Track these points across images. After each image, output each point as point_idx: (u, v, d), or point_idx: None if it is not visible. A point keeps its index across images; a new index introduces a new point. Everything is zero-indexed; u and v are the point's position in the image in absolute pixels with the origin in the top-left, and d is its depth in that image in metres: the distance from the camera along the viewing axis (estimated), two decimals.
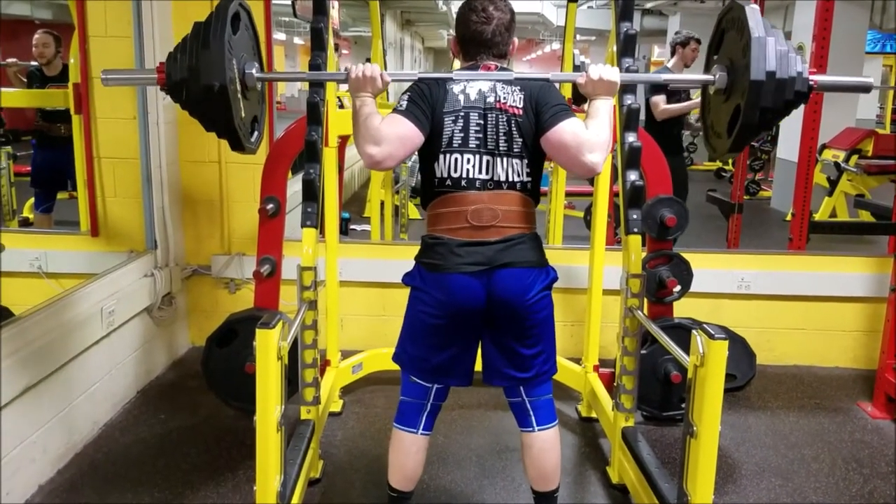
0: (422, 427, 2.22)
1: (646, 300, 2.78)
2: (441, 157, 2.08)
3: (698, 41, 5.11)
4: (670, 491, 2.20)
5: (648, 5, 14.13)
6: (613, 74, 2.06)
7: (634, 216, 2.66)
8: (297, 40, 20.14)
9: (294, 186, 3.48)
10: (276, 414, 1.95)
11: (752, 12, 1.94)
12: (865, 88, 2.14)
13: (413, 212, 6.67)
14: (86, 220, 3.71)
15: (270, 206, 3.07)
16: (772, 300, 3.91)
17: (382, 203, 5.40)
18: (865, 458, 3.02)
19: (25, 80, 5.33)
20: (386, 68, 4.93)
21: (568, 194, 5.36)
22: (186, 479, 2.74)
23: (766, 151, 9.70)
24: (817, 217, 6.71)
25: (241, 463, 2.83)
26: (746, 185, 7.99)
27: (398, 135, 1.99)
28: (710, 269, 3.74)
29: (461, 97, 2.08)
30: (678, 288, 3.07)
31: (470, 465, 2.88)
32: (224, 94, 1.89)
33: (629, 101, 2.66)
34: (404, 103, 2.05)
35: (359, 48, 18.68)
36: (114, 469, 2.80)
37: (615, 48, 2.78)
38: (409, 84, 2.15)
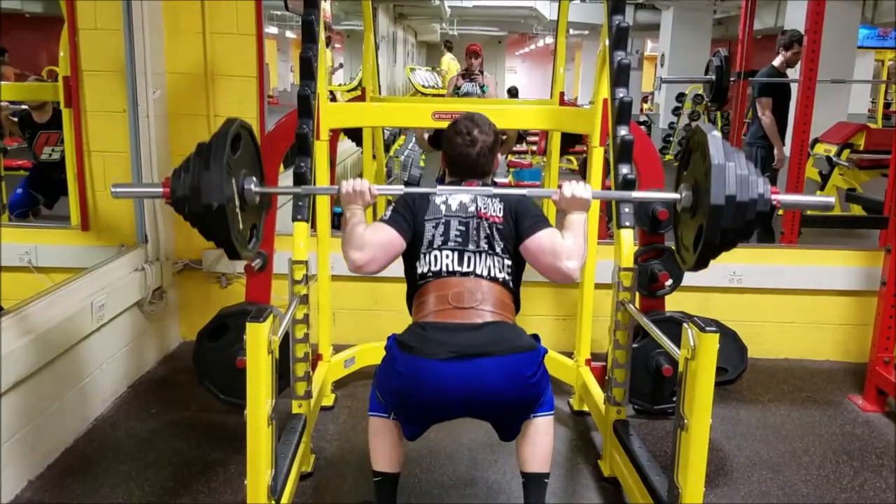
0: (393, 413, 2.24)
1: (637, 294, 2.78)
2: (422, 256, 2.21)
3: (801, 43, 5.16)
4: (661, 484, 2.21)
5: None
6: (585, 192, 2.16)
7: (626, 210, 2.66)
8: (289, 34, 20.03)
9: (285, 180, 3.47)
10: (267, 408, 1.95)
11: (714, 139, 2.00)
12: (827, 207, 2.22)
13: None
14: (76, 214, 3.69)
15: None
16: (763, 294, 3.92)
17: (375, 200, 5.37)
18: (856, 450, 3.04)
19: (16, 119, 5.13)
20: (378, 63, 4.93)
21: None
22: (177, 473, 2.73)
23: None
24: (809, 211, 6.72)
25: (232, 457, 2.83)
26: None
27: (380, 241, 2.15)
28: None
29: (443, 207, 2.24)
30: (670, 282, 3.08)
31: (461, 459, 2.88)
32: (222, 212, 1.99)
33: (621, 95, 2.66)
34: (388, 213, 2.23)
35: (351, 42, 18.59)
36: (104, 464, 2.79)
37: (608, 42, 2.78)
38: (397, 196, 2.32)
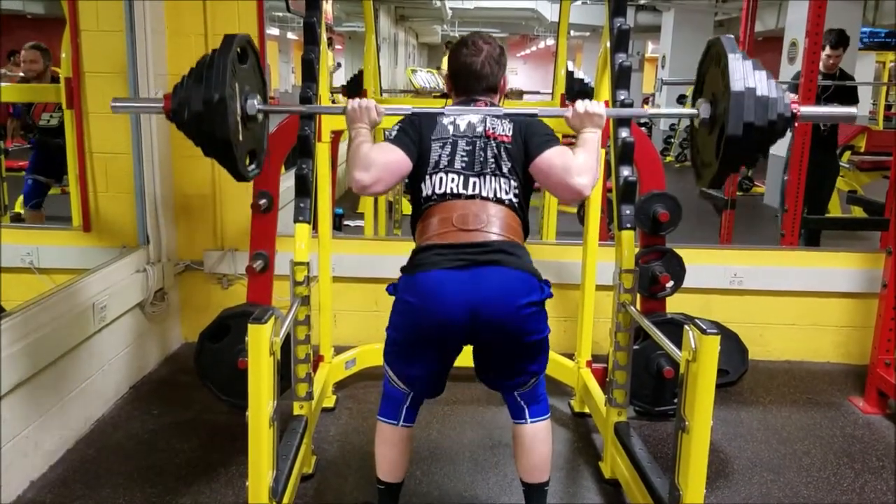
0: (402, 419, 2.23)
1: (638, 295, 2.78)
2: (427, 178, 2.15)
3: (834, 46, 5.06)
4: (662, 485, 2.21)
5: (642, 1, 14.12)
6: (599, 108, 2.15)
7: (627, 211, 2.66)
8: (291, 35, 20.05)
9: (287, 182, 3.46)
10: (268, 409, 1.95)
11: (728, 41, 2.03)
12: (850, 118, 2.23)
13: (407, 207, 6.64)
14: (78, 215, 3.69)
15: (263, 201, 3.07)
16: (764, 295, 3.91)
17: (376, 199, 5.39)
18: (857, 452, 3.04)
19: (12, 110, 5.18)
20: (380, 64, 4.93)
21: None
22: (179, 474, 2.74)
23: None
24: (808, 211, 6.71)
25: (233, 458, 2.83)
26: (739, 181, 7.99)
27: (386, 161, 2.08)
28: (703, 264, 3.74)
29: (450, 127, 2.17)
30: (671, 283, 3.08)
31: (462, 461, 2.88)
32: (223, 106, 1.94)
33: (622, 97, 2.66)
34: (394, 133, 2.16)
35: (352, 44, 18.60)
36: (106, 465, 2.80)
37: (609, 44, 2.79)
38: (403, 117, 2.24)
